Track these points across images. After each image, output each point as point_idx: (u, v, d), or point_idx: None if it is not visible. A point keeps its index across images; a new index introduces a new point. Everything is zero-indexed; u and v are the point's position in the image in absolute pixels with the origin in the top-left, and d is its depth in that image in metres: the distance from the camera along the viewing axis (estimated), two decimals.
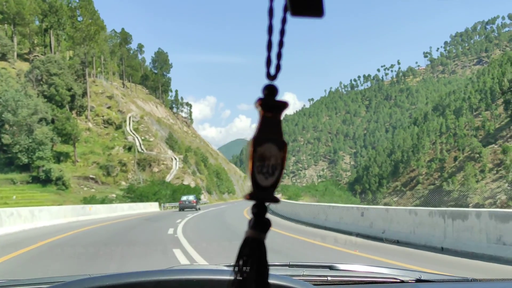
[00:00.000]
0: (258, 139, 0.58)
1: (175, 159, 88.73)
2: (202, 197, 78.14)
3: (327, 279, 2.25)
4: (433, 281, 2.36)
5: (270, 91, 0.59)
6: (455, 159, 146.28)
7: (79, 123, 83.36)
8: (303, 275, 2.22)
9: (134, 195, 58.09)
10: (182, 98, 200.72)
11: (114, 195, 64.84)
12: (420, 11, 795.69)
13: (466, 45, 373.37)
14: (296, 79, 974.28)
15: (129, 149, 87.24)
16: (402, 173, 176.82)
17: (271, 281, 0.89)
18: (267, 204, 0.61)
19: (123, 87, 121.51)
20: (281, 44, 0.59)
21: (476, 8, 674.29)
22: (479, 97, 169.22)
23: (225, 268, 1.24)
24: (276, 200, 0.60)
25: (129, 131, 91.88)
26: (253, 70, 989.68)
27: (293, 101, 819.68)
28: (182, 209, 43.42)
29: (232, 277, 0.63)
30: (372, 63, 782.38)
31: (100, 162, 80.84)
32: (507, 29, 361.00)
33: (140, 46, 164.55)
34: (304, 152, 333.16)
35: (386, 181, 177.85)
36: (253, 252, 0.62)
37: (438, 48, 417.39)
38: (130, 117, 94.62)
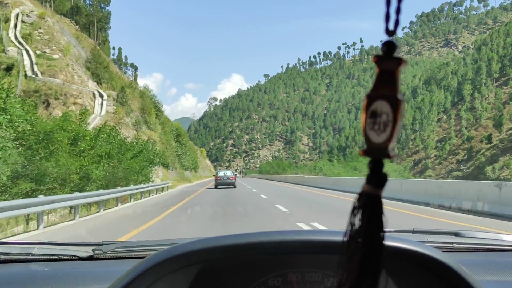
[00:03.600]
0: (371, 96, 0.57)
1: (101, 96, 42.74)
2: (154, 176, 34.42)
3: (452, 246, 2.18)
4: None
5: (389, 47, 0.57)
6: (489, 138, 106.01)
7: None
8: (427, 242, 2.09)
9: None
10: (126, 58, 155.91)
11: None
12: None
13: (433, 25, 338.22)
14: (244, 58, 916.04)
15: (8, 70, 40.97)
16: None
17: (400, 245, 0.95)
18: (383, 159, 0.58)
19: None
20: None
21: None
22: (499, 65, 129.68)
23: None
24: (389, 156, 0.57)
25: (13, 38, 45.00)
26: (207, 50, 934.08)
27: (240, 82, 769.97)
28: (217, 186, 37.85)
29: (345, 231, 0.60)
30: (332, 41, 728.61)
31: None
32: (473, 12, 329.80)
33: None
34: (258, 130, 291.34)
35: None
36: (367, 207, 0.59)
37: (403, 28, 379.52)
38: (18, 14, 47.18)
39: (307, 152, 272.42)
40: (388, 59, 0.57)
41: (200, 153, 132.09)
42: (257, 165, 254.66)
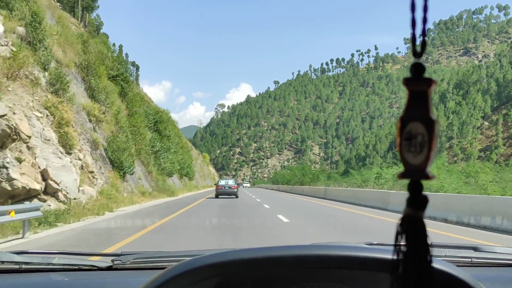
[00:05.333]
0: (404, 118, 0.57)
1: None
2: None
3: (471, 261, 2.11)
4: None
5: (417, 69, 0.57)
6: None
7: None
8: (445, 256, 2.07)
9: None
10: (127, 55, 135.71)
11: None
12: None
13: (451, 33, 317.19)
14: (253, 67, 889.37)
15: None
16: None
17: None
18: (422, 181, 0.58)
19: None
20: (425, 20, 0.57)
21: None
22: None
23: (366, 246, 1.14)
24: (428, 177, 0.57)
25: None
26: (215, 58, 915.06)
27: (249, 92, 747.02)
28: (218, 195, 34.95)
29: (392, 257, 0.60)
30: (345, 48, 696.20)
31: None
32: (493, 20, 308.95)
33: None
34: (267, 138, 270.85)
35: None
36: (410, 230, 0.59)
37: (420, 35, 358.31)
38: None
39: (318, 162, 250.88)
40: (417, 81, 0.57)
41: (203, 159, 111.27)
42: (265, 175, 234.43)
